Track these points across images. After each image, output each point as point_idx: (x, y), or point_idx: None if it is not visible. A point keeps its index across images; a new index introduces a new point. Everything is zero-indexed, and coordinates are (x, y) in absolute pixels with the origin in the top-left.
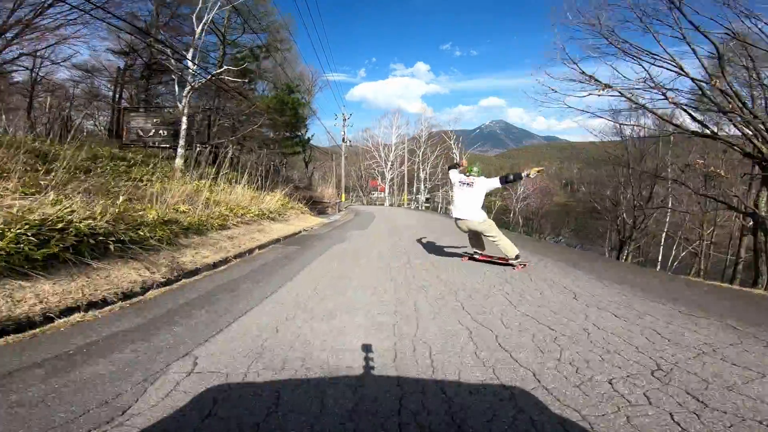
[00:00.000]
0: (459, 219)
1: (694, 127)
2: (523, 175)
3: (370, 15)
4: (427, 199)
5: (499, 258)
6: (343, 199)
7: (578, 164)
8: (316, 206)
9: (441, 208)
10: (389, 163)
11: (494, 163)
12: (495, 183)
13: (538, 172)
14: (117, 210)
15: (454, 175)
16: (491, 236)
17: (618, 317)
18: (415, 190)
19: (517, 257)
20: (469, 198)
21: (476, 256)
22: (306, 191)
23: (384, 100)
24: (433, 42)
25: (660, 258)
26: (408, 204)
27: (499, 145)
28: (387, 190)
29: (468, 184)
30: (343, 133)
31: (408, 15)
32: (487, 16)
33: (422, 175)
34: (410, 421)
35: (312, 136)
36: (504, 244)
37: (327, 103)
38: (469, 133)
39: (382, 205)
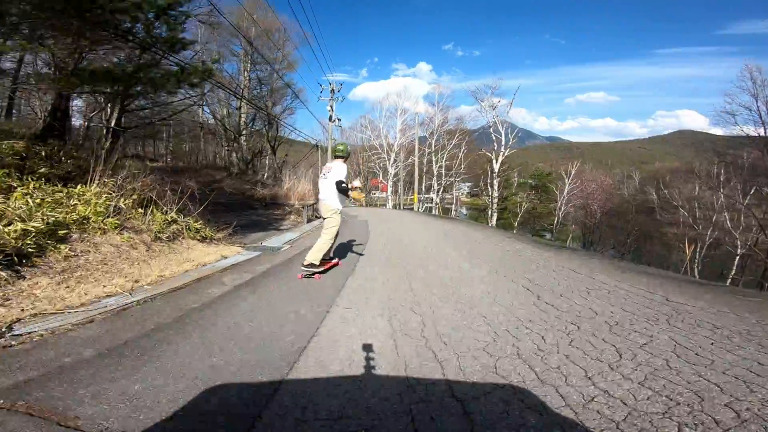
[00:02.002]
0: (321, 201)
1: None
2: (349, 191)
3: (372, 15)
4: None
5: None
6: None
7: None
8: (273, 211)
9: (454, 210)
10: (392, 155)
11: (480, 167)
12: (340, 175)
13: (356, 190)
14: None
15: (323, 170)
16: (326, 228)
17: None
18: (424, 189)
19: (311, 265)
20: (327, 186)
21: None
22: (270, 188)
23: (386, 100)
24: (436, 42)
25: None
26: (418, 206)
27: (502, 146)
28: (390, 189)
29: (326, 176)
30: (330, 110)
31: (410, 15)
32: (489, 17)
33: (435, 169)
34: None
35: (217, 61)
36: (319, 243)
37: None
38: (472, 133)
39: (384, 206)
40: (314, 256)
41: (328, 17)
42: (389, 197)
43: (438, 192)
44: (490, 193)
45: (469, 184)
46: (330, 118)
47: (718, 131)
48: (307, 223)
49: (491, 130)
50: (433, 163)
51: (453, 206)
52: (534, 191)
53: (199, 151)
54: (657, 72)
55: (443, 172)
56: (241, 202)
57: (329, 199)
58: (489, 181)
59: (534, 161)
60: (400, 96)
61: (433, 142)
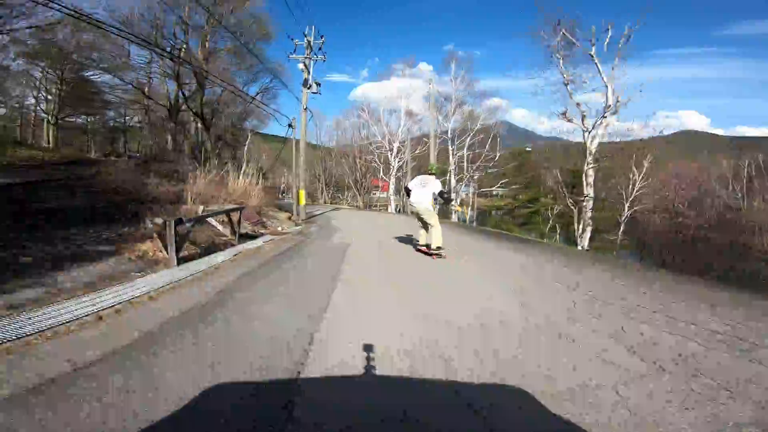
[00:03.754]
0: (415, 205)
1: None
2: (452, 204)
3: (373, 16)
4: (440, 200)
5: (433, 253)
6: (302, 202)
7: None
8: (127, 229)
9: (471, 217)
10: (395, 143)
11: (502, 164)
12: (438, 188)
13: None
14: None
15: (416, 180)
16: (431, 223)
17: None
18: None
19: (438, 248)
20: (424, 194)
21: (420, 247)
22: (177, 183)
23: (386, 101)
24: (436, 42)
25: None
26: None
27: (504, 146)
28: (392, 188)
29: (423, 185)
30: (304, 70)
31: (410, 15)
32: (490, 17)
33: (453, 161)
34: None
35: None
36: (435, 233)
37: (314, 97)
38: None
39: (385, 208)
40: (437, 242)
41: (328, 18)
42: (391, 198)
43: (458, 191)
44: (584, 190)
45: (504, 181)
46: (305, 83)
47: (719, 131)
48: (181, 264)
49: (569, 93)
50: (450, 153)
51: (470, 213)
52: (568, 191)
53: (165, 143)
54: (657, 73)
55: (465, 164)
56: (101, 209)
57: (425, 204)
58: (584, 169)
59: (538, 160)
60: (405, 80)
61: (450, 126)
